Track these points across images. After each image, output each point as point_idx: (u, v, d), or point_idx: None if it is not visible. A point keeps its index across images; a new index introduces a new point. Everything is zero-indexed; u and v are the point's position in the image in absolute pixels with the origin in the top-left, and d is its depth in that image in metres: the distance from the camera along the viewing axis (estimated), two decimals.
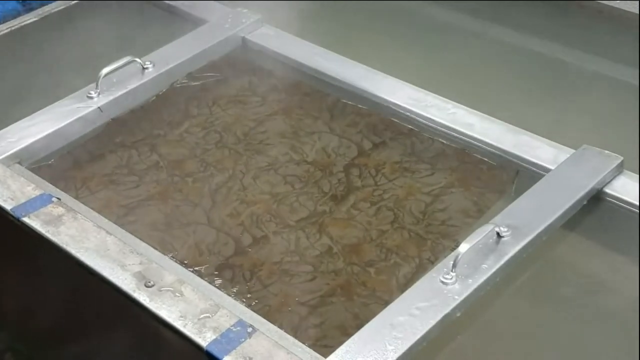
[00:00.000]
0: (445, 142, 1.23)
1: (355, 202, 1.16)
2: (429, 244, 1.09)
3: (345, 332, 0.97)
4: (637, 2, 1.43)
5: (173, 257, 1.07)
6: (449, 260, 0.99)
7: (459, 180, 1.18)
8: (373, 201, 1.16)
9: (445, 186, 1.18)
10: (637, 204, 1.10)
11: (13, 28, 1.53)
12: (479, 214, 1.13)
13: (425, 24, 1.58)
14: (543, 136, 1.20)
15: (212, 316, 0.95)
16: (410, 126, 1.27)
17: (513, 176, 1.17)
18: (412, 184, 1.18)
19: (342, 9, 1.60)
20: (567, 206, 1.08)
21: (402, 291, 0.99)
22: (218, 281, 1.06)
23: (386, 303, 0.98)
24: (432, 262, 1.06)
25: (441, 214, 1.14)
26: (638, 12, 1.43)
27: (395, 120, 1.28)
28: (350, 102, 1.32)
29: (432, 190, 1.17)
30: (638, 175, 1.14)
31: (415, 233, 1.11)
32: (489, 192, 1.17)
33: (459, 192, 1.17)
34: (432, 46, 1.52)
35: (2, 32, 1.50)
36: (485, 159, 1.20)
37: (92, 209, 1.13)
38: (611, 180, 1.13)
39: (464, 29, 1.55)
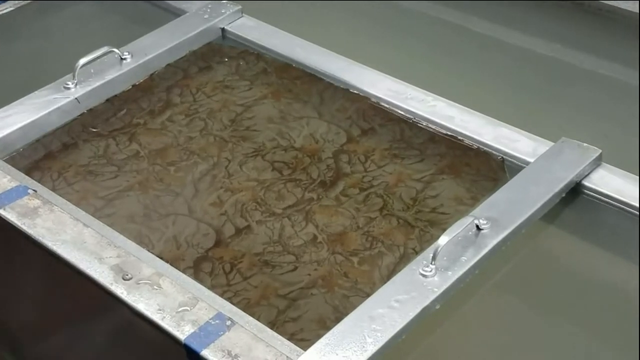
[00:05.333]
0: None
1: (345, 189, 1.16)
2: (416, 232, 1.09)
3: (324, 325, 0.97)
4: (637, 1, 1.43)
5: (151, 250, 1.07)
6: (428, 253, 1.00)
7: (449, 167, 1.18)
8: (362, 187, 1.16)
9: (436, 172, 1.18)
10: (615, 196, 1.11)
11: None
12: (473, 200, 1.12)
13: (412, 16, 1.58)
14: (526, 130, 1.20)
15: (190, 309, 0.94)
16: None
17: (501, 163, 1.18)
18: (402, 170, 1.18)
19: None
20: (545, 199, 1.09)
21: (384, 282, 0.99)
22: (197, 274, 1.05)
23: (367, 295, 0.98)
24: (417, 252, 1.06)
25: (432, 200, 1.14)
26: (638, 12, 1.43)
27: (385, 104, 1.27)
28: (336, 93, 1.32)
29: (423, 177, 1.17)
30: (616, 169, 1.14)
31: (404, 220, 1.11)
32: (481, 178, 1.16)
33: (449, 178, 1.17)
34: (415, 38, 1.52)
35: None
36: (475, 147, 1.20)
37: (70, 200, 1.12)
38: (589, 173, 1.14)
39: (445, 22, 1.55)
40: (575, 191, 1.13)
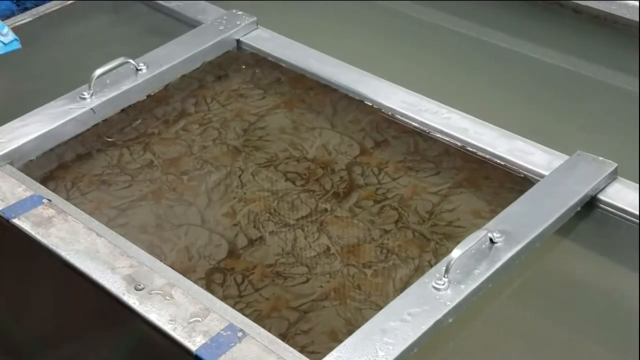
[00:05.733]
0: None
1: (358, 201, 1.15)
2: (432, 244, 1.09)
3: (336, 337, 0.97)
4: (638, 8, 1.42)
5: (163, 260, 1.07)
6: (441, 266, 0.99)
7: (468, 180, 1.18)
8: (377, 200, 1.16)
9: (453, 186, 1.17)
10: (631, 210, 1.10)
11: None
12: (492, 214, 1.11)
13: (422, 28, 1.58)
14: (539, 142, 1.20)
15: (202, 320, 0.94)
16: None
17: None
18: (417, 184, 1.17)
19: (336, 11, 1.60)
20: (560, 212, 1.08)
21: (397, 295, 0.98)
22: (209, 285, 1.05)
23: (380, 308, 0.97)
24: (432, 265, 1.05)
25: (448, 214, 1.13)
26: (638, 19, 1.43)
27: (399, 116, 1.27)
28: (349, 105, 1.32)
29: (440, 190, 1.17)
30: (632, 183, 1.13)
31: (419, 233, 1.10)
32: (504, 191, 1.15)
33: (468, 192, 1.16)
34: (426, 49, 1.52)
35: None
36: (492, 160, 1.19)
37: (83, 210, 1.12)
38: (605, 186, 1.13)
39: (458, 34, 1.55)
40: (590, 205, 1.12)
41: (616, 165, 1.14)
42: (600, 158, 1.15)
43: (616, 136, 1.30)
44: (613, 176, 1.14)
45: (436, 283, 0.98)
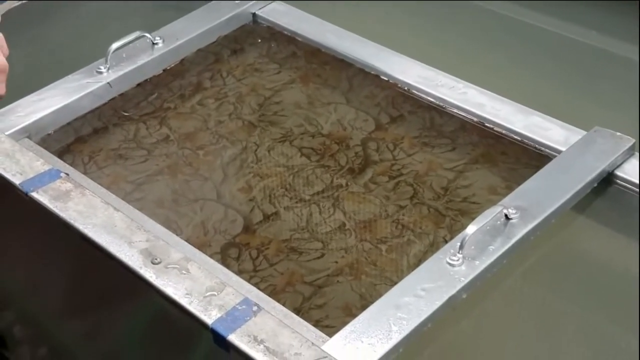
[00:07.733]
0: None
1: (373, 176, 1.16)
2: (447, 220, 1.09)
3: (350, 312, 0.97)
4: None
5: (180, 235, 1.08)
6: (455, 242, 0.99)
7: (484, 156, 1.17)
8: (392, 175, 1.16)
9: (469, 162, 1.17)
10: None
11: (21, 2, 1.53)
12: (508, 190, 1.10)
13: (439, 3, 1.56)
14: (557, 118, 1.19)
15: (218, 294, 0.95)
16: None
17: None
18: (432, 159, 1.17)
19: None
20: (576, 188, 1.07)
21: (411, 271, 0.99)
22: (224, 259, 1.06)
23: (394, 283, 0.98)
24: (447, 241, 1.05)
25: (464, 190, 1.13)
26: None
27: (415, 91, 1.26)
28: (364, 81, 1.31)
29: (456, 166, 1.16)
30: None
31: (434, 209, 1.10)
32: (520, 167, 1.15)
33: (484, 167, 1.15)
34: (443, 24, 1.50)
35: (9, 7, 1.49)
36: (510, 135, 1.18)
37: (100, 184, 1.14)
38: (622, 162, 1.12)
39: (476, 7, 1.53)
40: (607, 181, 1.11)
41: (634, 141, 1.13)
42: (618, 134, 1.14)
43: (635, 112, 1.28)
44: (631, 152, 1.13)
45: (450, 259, 0.98)
